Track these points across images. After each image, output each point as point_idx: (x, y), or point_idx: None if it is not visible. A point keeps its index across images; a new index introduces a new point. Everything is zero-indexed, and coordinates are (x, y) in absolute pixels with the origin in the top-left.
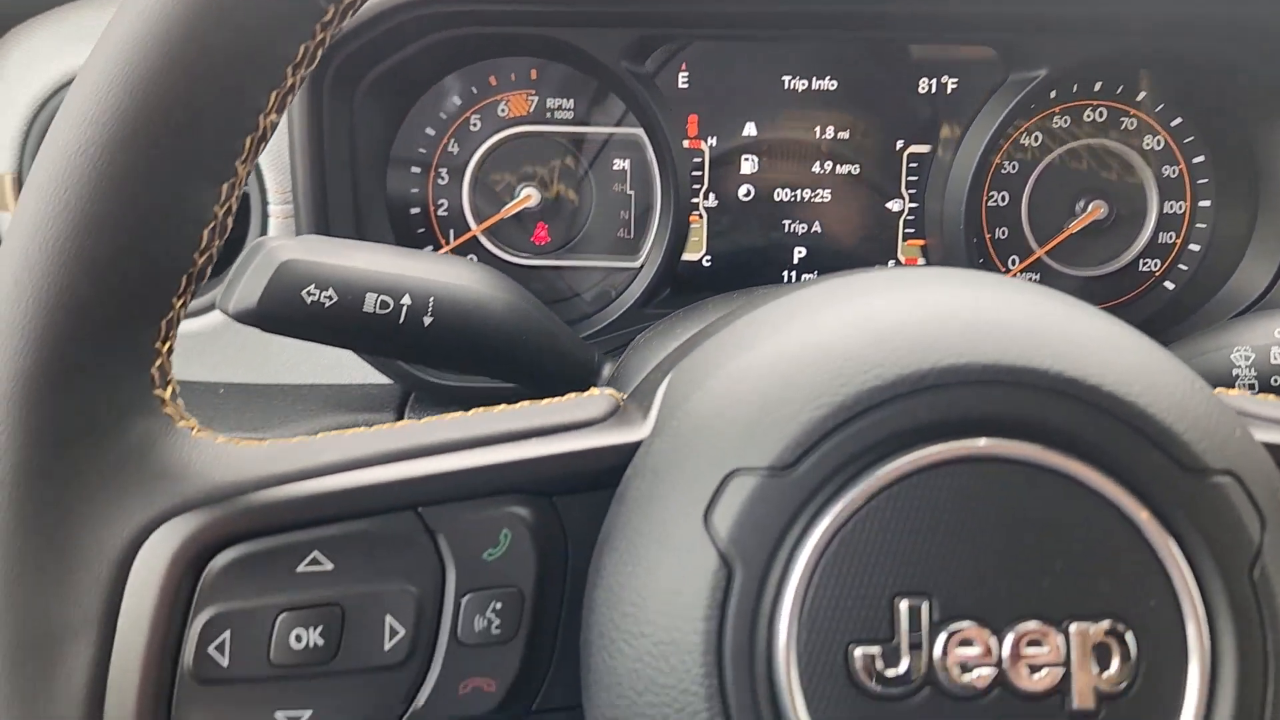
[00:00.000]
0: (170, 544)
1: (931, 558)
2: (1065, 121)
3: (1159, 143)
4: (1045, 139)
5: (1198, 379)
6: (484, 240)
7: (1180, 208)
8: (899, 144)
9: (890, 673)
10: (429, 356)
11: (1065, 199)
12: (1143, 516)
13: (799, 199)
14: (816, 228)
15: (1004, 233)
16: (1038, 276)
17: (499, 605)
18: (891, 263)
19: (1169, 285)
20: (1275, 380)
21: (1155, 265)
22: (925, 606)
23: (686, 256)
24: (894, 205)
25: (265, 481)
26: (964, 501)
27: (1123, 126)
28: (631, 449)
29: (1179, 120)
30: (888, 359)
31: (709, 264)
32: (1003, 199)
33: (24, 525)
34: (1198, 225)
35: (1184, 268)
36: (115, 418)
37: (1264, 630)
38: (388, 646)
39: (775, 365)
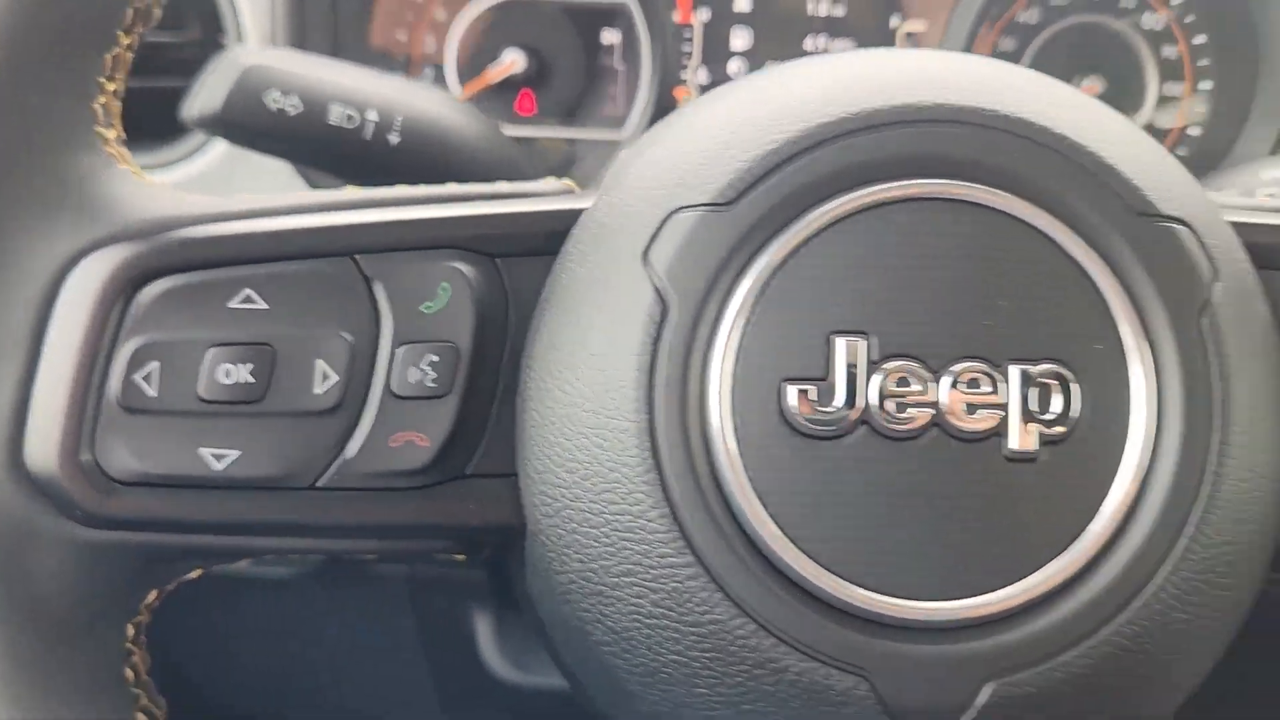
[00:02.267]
0: (101, 271)
1: (871, 297)
2: None
3: (1159, 22)
4: (1043, 15)
5: (1149, 136)
6: None
7: (1179, 90)
8: (894, 21)
9: (823, 411)
10: (394, 181)
11: (1061, 77)
12: (1090, 259)
13: None
14: None
15: None
16: None
17: (434, 359)
18: None
19: None
20: None
21: None
22: (862, 345)
23: None
24: None
25: (201, 218)
26: (906, 241)
27: (1121, 4)
28: (577, 214)
29: None
30: (833, 100)
31: None
32: None
33: None
34: (1197, 109)
35: (1182, 153)
36: (53, 146)
37: (1211, 381)
38: (318, 391)
39: (720, 113)
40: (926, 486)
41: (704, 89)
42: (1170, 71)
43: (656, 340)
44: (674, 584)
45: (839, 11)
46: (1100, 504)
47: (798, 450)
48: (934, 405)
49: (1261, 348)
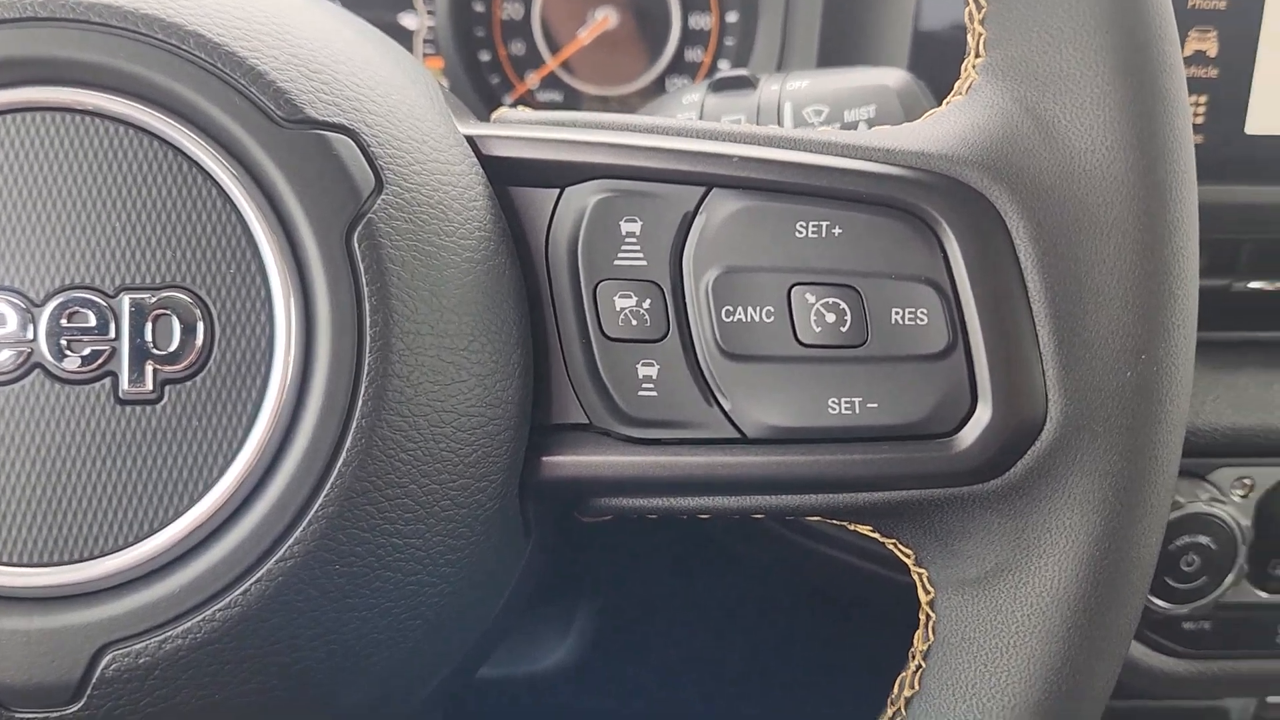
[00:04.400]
0: None
1: None
2: None
3: None
4: None
5: (355, 30)
6: None
7: (706, 22)
8: None
9: None
10: None
11: (579, 12)
12: (226, 172)
13: None
14: None
15: (521, 47)
16: (560, 97)
17: None
18: None
19: None
20: None
21: (684, 82)
22: None
23: None
24: (408, 21)
25: None
26: (6, 157)
27: None
28: None
29: None
30: None
31: None
32: (517, 11)
33: None
34: (726, 41)
35: None
36: None
37: (364, 303)
38: None
39: None
40: (29, 437)
41: None
42: (695, 3)
43: None
44: None
45: None
46: (238, 450)
47: None
48: (32, 344)
49: (437, 264)
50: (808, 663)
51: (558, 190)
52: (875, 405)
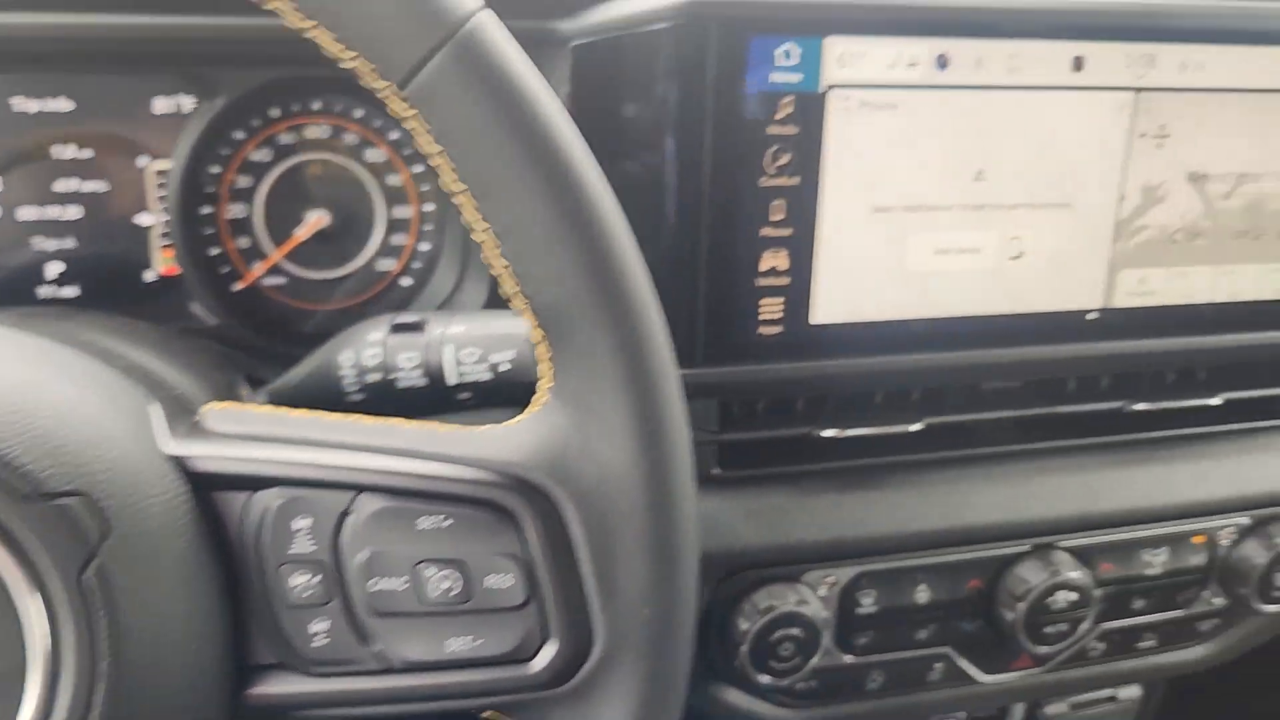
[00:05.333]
0: None
1: None
2: (292, 139)
3: (381, 156)
4: (274, 154)
5: (82, 387)
6: None
7: (408, 212)
8: (142, 161)
9: None
10: None
11: (298, 208)
12: None
13: (47, 217)
14: (70, 244)
15: (247, 242)
16: (284, 281)
17: None
18: (149, 274)
19: (405, 282)
20: (370, 378)
21: (391, 264)
22: None
23: None
24: (144, 220)
25: None
26: None
27: (346, 142)
28: None
29: (397, 135)
30: None
31: None
32: (241, 210)
33: None
34: (426, 227)
35: (418, 265)
36: None
37: (96, 622)
38: None
39: None
40: None
41: None
42: (397, 196)
43: None
44: None
45: (86, 154)
46: None
47: None
48: None
49: (155, 577)
50: None
51: (248, 493)
52: (480, 642)
